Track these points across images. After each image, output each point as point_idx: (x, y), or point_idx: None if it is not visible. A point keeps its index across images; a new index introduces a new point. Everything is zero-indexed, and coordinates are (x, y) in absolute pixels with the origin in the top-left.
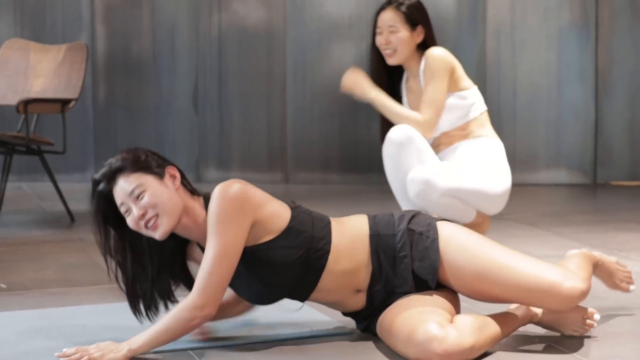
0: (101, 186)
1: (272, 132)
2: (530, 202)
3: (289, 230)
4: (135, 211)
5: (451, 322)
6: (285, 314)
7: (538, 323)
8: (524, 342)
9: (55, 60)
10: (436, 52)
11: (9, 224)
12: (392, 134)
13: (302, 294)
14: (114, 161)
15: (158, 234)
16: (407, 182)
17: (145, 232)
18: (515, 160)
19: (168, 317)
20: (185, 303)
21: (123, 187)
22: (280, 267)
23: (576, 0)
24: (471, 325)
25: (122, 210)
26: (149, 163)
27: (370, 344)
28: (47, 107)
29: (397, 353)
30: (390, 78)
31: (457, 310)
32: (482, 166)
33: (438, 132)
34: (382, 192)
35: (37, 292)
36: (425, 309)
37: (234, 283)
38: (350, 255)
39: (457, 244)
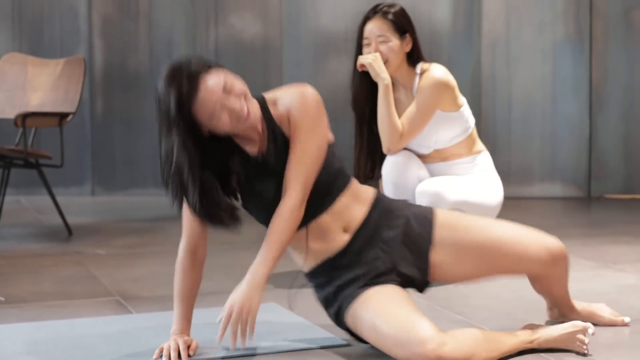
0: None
1: None
2: (525, 215)
3: (332, 147)
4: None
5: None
6: (279, 326)
7: (539, 345)
8: (518, 356)
9: (53, 74)
10: (439, 73)
11: (7, 237)
12: (392, 158)
13: (320, 207)
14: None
15: (250, 120)
16: (417, 194)
17: (241, 121)
18: (510, 173)
19: (276, 226)
20: (289, 204)
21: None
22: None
23: (570, 15)
24: (470, 338)
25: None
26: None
27: (365, 357)
28: (45, 121)
29: (383, 351)
30: (375, 95)
31: None
32: (480, 180)
33: (431, 149)
34: None
35: (34, 305)
36: (412, 309)
37: (259, 203)
38: (356, 195)
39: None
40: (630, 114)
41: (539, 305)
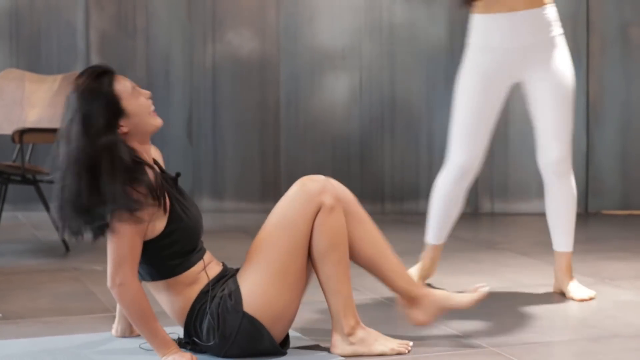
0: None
1: (265, 162)
2: (523, 232)
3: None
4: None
5: None
6: None
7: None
8: None
9: (51, 90)
10: None
11: (4, 253)
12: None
13: (202, 250)
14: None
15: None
16: (542, 168)
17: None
18: (507, 189)
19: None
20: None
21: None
22: None
23: (567, 31)
24: None
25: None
26: None
27: None
28: (42, 137)
29: None
30: None
31: None
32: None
33: None
34: (374, 221)
35: (31, 321)
36: None
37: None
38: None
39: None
40: (627, 130)
41: (538, 322)
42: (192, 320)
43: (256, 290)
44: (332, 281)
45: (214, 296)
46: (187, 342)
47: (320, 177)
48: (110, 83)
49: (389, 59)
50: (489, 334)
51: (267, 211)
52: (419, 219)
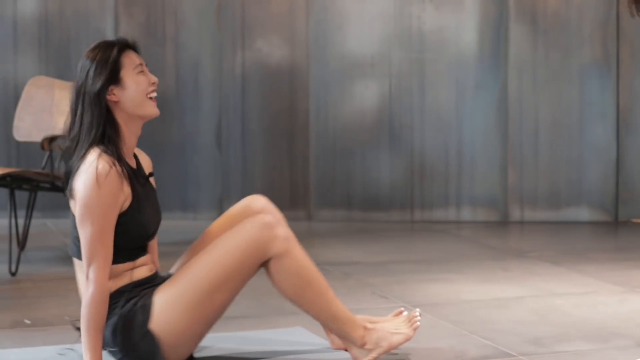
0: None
1: (294, 169)
2: (552, 240)
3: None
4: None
5: None
6: (303, 349)
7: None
8: None
9: None
10: None
11: (33, 261)
12: None
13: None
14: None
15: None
16: None
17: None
18: (537, 198)
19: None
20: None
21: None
22: None
23: (597, 39)
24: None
25: (139, 70)
26: None
27: None
28: None
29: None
30: None
31: None
32: None
33: None
34: (403, 230)
35: (60, 328)
36: None
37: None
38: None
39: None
40: None
41: (568, 330)
42: None
43: (169, 314)
44: (322, 313)
45: (130, 299)
46: None
47: (270, 221)
48: (119, 52)
49: (419, 66)
50: (518, 342)
51: (296, 219)
52: (448, 227)
